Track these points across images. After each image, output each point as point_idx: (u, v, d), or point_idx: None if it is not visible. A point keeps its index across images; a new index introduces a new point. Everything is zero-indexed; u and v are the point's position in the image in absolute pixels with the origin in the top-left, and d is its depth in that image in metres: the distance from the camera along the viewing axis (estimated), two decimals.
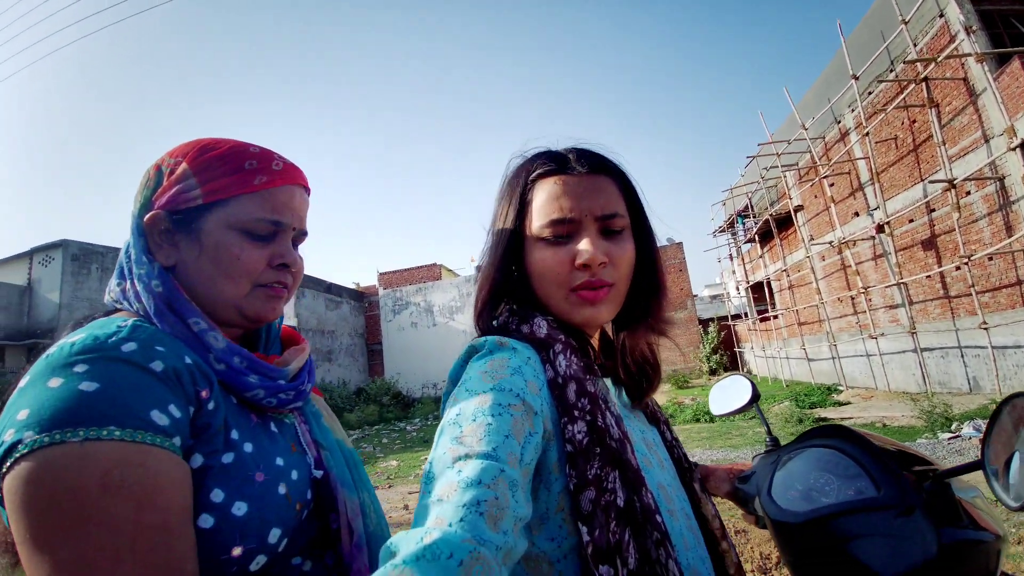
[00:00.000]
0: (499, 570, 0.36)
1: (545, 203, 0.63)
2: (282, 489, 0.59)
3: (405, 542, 0.36)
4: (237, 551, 0.52)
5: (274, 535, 0.56)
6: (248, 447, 0.59)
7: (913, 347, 9.37)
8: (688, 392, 15.16)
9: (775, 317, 15.61)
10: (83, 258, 14.14)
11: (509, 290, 0.68)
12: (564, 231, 0.62)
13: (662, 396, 14.21)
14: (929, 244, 8.93)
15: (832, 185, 11.50)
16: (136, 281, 0.62)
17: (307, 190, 0.72)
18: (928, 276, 8.92)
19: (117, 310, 0.64)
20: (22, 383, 0.49)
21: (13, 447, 0.44)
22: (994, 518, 0.61)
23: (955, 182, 7.63)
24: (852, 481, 0.62)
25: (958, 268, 8.00)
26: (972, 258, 7.54)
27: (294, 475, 0.62)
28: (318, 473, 0.66)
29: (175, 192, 0.62)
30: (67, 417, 0.45)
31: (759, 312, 17.54)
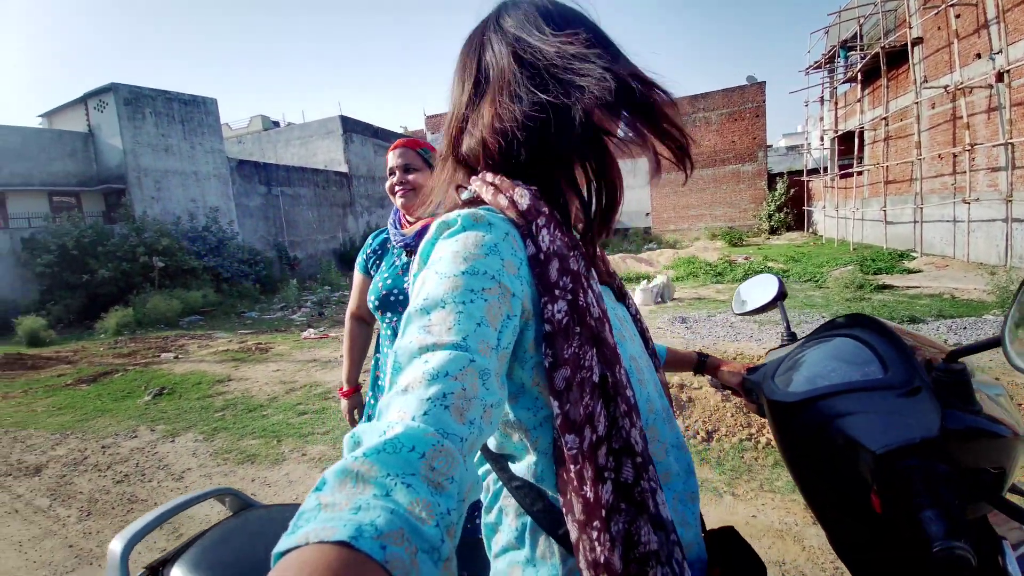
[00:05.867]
0: (462, 460, 0.36)
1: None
2: None
3: (369, 434, 0.35)
4: None
5: None
6: None
7: (1004, 216, 8.28)
8: (742, 250, 14.64)
9: (859, 173, 13.92)
10: (135, 102, 14.20)
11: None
12: None
13: (713, 253, 13.79)
14: None
15: (958, 16, 9.16)
16: None
17: (411, 148, 1.49)
18: None
19: None
20: None
21: None
22: (1017, 419, 0.56)
23: None
24: (861, 366, 0.59)
25: None
26: None
27: None
28: None
29: None
30: None
31: (841, 168, 15.72)
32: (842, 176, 15.12)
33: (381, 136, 22.18)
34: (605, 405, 0.51)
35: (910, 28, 10.93)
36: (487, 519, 0.63)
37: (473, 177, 0.61)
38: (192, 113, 15.39)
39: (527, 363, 0.53)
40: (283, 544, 0.27)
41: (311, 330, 7.97)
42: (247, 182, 16.72)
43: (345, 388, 1.70)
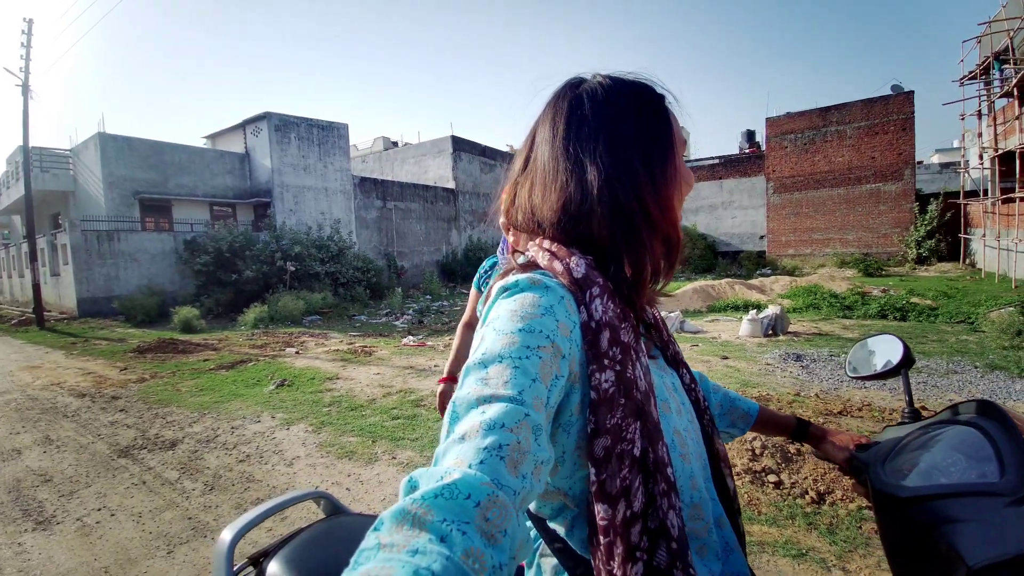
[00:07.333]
0: (515, 514, 0.37)
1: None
2: None
3: (426, 478, 0.37)
4: None
5: None
6: None
7: None
8: (879, 282, 12.89)
9: (1022, 200, 11.67)
10: (283, 128, 16.35)
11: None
12: None
13: (842, 283, 12.27)
14: None
15: None
16: None
17: None
18: None
19: None
20: None
21: None
22: None
23: None
24: (981, 464, 0.56)
25: None
26: None
27: None
28: None
29: None
30: None
31: (1003, 190, 13.26)
32: (1004, 201, 12.76)
33: (488, 155, 23.10)
34: (644, 481, 0.51)
35: None
36: (528, 574, 0.64)
37: (531, 243, 0.63)
38: (327, 136, 17.33)
39: (572, 427, 0.53)
40: None
41: (411, 337, 8.45)
42: (366, 197, 18.36)
43: (444, 376, 1.94)
